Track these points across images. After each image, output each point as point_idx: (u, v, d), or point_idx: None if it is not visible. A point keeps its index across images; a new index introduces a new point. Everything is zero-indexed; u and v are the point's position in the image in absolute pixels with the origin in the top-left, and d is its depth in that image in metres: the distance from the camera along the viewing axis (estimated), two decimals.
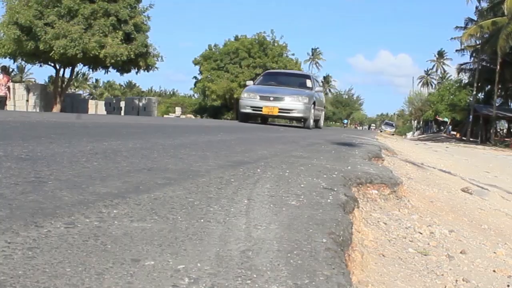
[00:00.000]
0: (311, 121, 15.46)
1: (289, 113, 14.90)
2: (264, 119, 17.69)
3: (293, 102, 14.74)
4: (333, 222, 1.72)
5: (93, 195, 1.76)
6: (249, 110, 14.87)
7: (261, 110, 14.61)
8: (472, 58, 45.19)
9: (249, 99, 14.87)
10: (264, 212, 1.79)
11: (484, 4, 39.32)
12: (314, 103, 15.41)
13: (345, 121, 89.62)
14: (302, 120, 15.44)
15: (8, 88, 19.73)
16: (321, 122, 18.43)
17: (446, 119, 55.12)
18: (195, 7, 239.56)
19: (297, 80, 17.17)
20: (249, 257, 1.26)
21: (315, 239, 1.48)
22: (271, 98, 14.64)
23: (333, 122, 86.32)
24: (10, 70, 60.05)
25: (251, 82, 16.96)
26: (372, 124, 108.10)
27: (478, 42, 40.22)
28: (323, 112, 18.72)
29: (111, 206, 1.63)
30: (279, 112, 14.68)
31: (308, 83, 16.84)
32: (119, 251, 1.21)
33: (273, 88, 15.55)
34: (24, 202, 1.56)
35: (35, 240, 1.22)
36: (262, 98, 14.74)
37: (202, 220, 1.58)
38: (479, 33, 37.13)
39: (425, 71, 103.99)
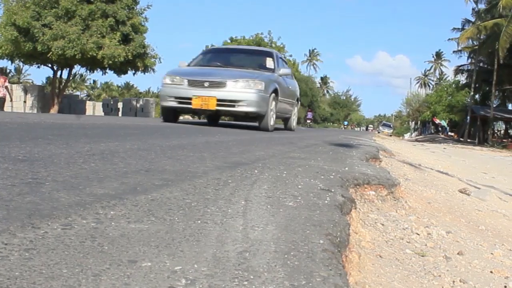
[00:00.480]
0: (271, 120, 10.20)
1: (234, 106, 9.53)
2: (213, 118, 11.97)
3: (240, 90, 9.49)
4: (330, 223, 1.72)
5: (90, 196, 1.76)
6: (172, 103, 9.78)
7: (190, 103, 9.46)
8: (470, 60, 45.26)
9: (173, 86, 9.76)
10: (261, 213, 1.79)
11: (482, 6, 39.42)
12: (276, 91, 10.29)
13: (345, 122, 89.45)
14: (256, 117, 10.21)
15: (7, 88, 19.69)
16: (293, 122, 13.19)
17: (443, 122, 55.15)
18: (193, 8, 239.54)
19: (253, 59, 11.74)
20: (246, 258, 1.26)
21: (312, 240, 1.48)
22: (206, 84, 9.47)
23: (331, 123, 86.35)
24: (8, 71, 60.05)
25: (184, 62, 11.32)
26: (370, 125, 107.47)
27: (475, 43, 40.28)
28: (296, 107, 13.23)
29: (108, 207, 1.63)
30: (218, 105, 9.38)
31: (269, 62, 11.30)
32: (116, 252, 1.21)
33: (212, 70, 10.50)
34: (21, 203, 1.56)
35: (32, 241, 1.22)
36: (191, 84, 9.58)
37: (199, 221, 1.58)
38: (476, 35, 37.18)
39: (422, 72, 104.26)
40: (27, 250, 1.16)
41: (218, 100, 9.28)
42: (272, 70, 10.89)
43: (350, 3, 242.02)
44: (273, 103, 10.22)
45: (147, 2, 55.89)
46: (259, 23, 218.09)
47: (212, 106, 9.34)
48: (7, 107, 22.47)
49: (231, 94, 9.40)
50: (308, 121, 56.17)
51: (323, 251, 1.39)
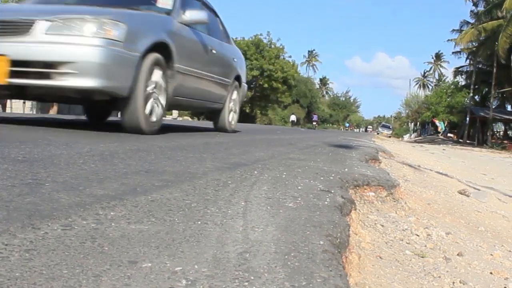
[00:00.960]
0: (146, 109, 5.13)
1: (49, 76, 4.49)
2: (88, 108, 7.99)
3: (62, 40, 4.50)
4: (330, 224, 1.73)
5: (90, 197, 1.76)
6: None
7: None
8: (468, 61, 45.36)
9: None
10: (261, 214, 1.80)
11: (481, 7, 39.45)
12: (163, 50, 5.40)
13: (347, 124, 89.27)
14: (110, 102, 5.33)
15: None
16: (229, 117, 8.01)
17: (441, 124, 55.20)
18: None
19: None
20: (247, 259, 1.26)
21: (313, 241, 1.48)
22: None
23: (331, 124, 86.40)
24: None
25: None
26: (369, 126, 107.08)
27: (474, 44, 40.32)
28: (236, 93, 8.17)
29: (108, 208, 1.63)
30: (13, 73, 4.44)
31: None
32: (116, 253, 1.21)
33: (21, 6, 6.42)
34: (21, 204, 1.56)
35: (32, 242, 1.22)
36: None
37: (199, 222, 1.58)
38: (476, 36, 37.23)
39: (421, 73, 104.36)
40: (28, 250, 1.16)
41: (14, 62, 4.47)
42: (167, 12, 5.95)
43: (349, 4, 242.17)
44: (157, 74, 5.32)
45: None
46: (258, 24, 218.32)
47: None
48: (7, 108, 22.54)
49: (41, 48, 4.50)
50: (314, 123, 56.43)
51: (323, 252, 1.39)
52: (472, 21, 41.10)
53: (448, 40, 46.08)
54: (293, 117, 58.03)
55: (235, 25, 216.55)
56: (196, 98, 6.89)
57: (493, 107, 40.63)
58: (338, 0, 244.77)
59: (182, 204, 1.82)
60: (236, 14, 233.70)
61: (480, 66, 43.23)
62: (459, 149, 24.16)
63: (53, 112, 26.37)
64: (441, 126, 55.27)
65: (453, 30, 44.45)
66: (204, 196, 2.03)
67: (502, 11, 33.15)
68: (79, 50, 4.50)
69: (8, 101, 21.88)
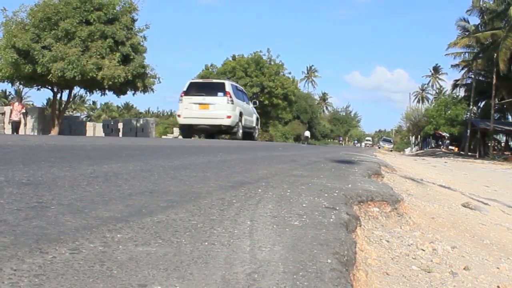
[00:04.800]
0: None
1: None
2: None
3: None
4: (337, 242, 1.72)
5: (96, 220, 1.76)
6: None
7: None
8: (464, 73, 45.55)
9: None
10: (267, 233, 1.79)
11: (474, 22, 39.78)
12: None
13: (355, 140, 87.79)
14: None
15: (24, 114, 22.85)
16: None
17: (445, 134, 55.21)
18: (192, 27, 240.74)
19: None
20: (255, 279, 1.26)
21: (320, 260, 1.48)
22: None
23: (331, 140, 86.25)
24: (7, 93, 60.48)
25: None
26: (367, 139, 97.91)
27: (473, 52, 40.49)
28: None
29: (114, 231, 1.63)
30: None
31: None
32: (125, 276, 1.21)
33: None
34: (28, 228, 1.56)
35: (40, 267, 1.22)
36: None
37: (206, 243, 1.58)
38: (475, 43, 37.40)
39: (419, 87, 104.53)
40: (37, 276, 1.16)
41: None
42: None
43: (346, 20, 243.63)
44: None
45: (145, 21, 56.26)
46: (255, 40, 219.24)
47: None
48: (7, 130, 22.87)
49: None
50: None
51: (331, 270, 1.39)
52: (467, 33, 41.36)
53: (446, 54, 46.22)
54: (307, 133, 58.90)
55: (235, 42, 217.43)
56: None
57: (494, 118, 40.63)
58: (336, 16, 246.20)
59: (188, 224, 1.82)
60: (236, 32, 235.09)
61: (478, 78, 43.34)
62: (460, 162, 24.13)
63: (54, 133, 26.41)
64: (446, 135, 55.27)
65: (450, 43, 44.64)
66: (209, 216, 2.02)
67: (508, 18, 33.18)
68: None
69: (23, 125, 22.66)
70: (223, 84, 18.12)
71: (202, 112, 17.52)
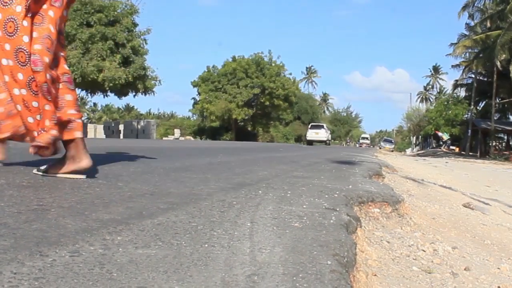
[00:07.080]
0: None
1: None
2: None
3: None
4: (337, 243, 1.72)
5: (97, 222, 1.77)
6: None
7: None
8: (463, 73, 45.45)
9: None
10: (267, 235, 1.80)
11: (477, 19, 39.67)
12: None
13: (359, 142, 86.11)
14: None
15: None
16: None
17: (445, 135, 55.09)
18: (193, 28, 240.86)
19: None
20: (255, 281, 1.26)
21: (320, 261, 1.48)
22: None
23: (332, 140, 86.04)
24: None
25: None
26: (363, 136, 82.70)
27: (474, 51, 40.43)
28: None
29: (115, 233, 1.63)
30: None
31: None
32: (125, 279, 1.21)
33: None
34: (28, 231, 1.57)
35: (40, 270, 1.22)
36: None
37: (206, 245, 1.58)
38: (475, 44, 37.35)
39: (424, 86, 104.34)
40: (37, 279, 1.16)
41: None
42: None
43: (346, 20, 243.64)
44: None
45: (146, 23, 56.23)
46: (257, 41, 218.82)
47: None
48: None
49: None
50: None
51: (331, 272, 1.39)
52: (468, 33, 41.33)
53: (447, 55, 46.21)
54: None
55: (236, 43, 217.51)
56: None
57: (495, 118, 40.59)
58: (336, 16, 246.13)
59: (188, 227, 1.83)
60: (237, 33, 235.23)
61: (479, 77, 43.31)
62: (461, 162, 24.11)
63: None
64: (445, 136, 55.11)
65: (451, 44, 44.60)
66: (210, 218, 2.03)
67: (507, 14, 33.07)
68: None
69: None
70: (323, 125, 42.98)
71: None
